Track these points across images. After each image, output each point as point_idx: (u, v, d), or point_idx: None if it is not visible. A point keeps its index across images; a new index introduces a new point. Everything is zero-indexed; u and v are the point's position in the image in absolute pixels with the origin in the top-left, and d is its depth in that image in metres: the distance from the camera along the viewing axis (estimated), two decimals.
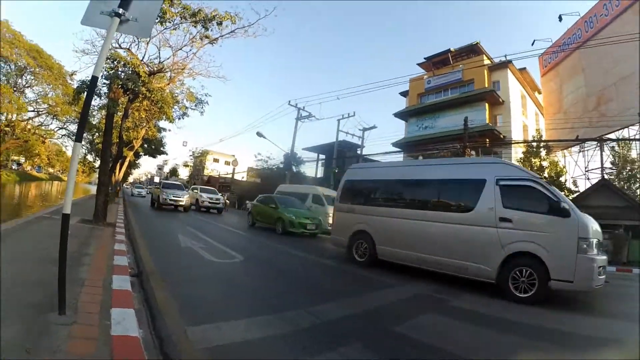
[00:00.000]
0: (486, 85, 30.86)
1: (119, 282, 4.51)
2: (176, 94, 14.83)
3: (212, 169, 72.49)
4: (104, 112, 16.19)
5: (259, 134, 27.03)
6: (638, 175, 25.40)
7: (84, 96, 9.23)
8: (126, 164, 34.11)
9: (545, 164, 25.51)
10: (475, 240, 6.79)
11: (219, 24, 11.75)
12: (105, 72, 11.35)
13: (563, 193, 8.89)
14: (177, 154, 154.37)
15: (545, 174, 23.36)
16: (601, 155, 22.75)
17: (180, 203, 22.06)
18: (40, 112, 40.90)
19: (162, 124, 26.87)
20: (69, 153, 50.31)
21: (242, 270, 7.36)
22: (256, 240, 12.49)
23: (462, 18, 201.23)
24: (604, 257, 6.36)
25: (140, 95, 12.64)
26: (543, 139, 28.53)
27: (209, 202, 24.92)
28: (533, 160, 24.96)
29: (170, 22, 11.53)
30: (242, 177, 53.60)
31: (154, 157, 45.60)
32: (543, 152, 25.86)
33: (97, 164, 25.02)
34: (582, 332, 4.82)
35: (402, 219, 8.16)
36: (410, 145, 33.84)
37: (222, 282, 6.03)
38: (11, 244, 5.82)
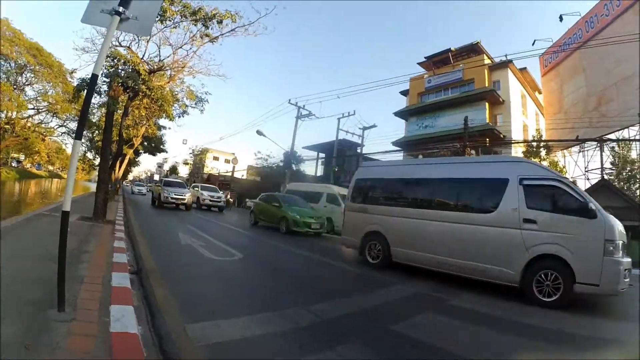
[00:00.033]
0: (486, 85, 30.84)
1: (119, 279, 4.52)
2: (176, 92, 14.84)
3: (212, 167, 72.49)
4: (104, 110, 16.26)
5: (259, 133, 26.97)
6: (638, 176, 25.42)
7: (84, 94, 9.25)
8: (126, 161, 34.12)
9: (545, 164, 25.47)
10: (497, 242, 6.54)
11: (219, 22, 11.75)
12: (105, 70, 11.35)
13: None
14: (177, 152, 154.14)
15: None
16: (601, 155, 22.78)
17: (182, 201, 21.60)
18: (40, 110, 40.93)
19: (162, 122, 26.95)
20: (69, 151, 50.28)
21: (243, 268, 7.37)
22: (258, 239, 12.48)
23: (462, 18, 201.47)
24: (629, 260, 6.10)
25: (140, 93, 12.64)
26: (543, 138, 28.55)
27: (210, 200, 24.53)
28: (533, 160, 24.91)
29: (170, 21, 11.52)
30: (242, 175, 53.64)
31: (154, 155, 45.67)
32: (543, 152, 25.84)
33: (97, 161, 25.06)
34: (582, 332, 4.80)
35: (419, 220, 7.82)
36: (410, 144, 33.82)
37: (222, 280, 6.04)
38: (11, 241, 5.82)
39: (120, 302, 3.70)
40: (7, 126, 37.36)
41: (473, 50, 33.28)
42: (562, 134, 26.98)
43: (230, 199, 33.97)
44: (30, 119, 41.28)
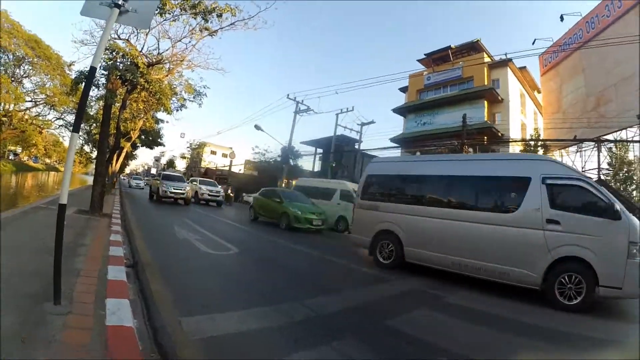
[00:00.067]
0: (486, 83, 30.83)
1: (115, 272, 4.53)
2: (174, 86, 14.81)
3: (209, 161, 72.41)
4: (101, 102, 16.21)
5: (257, 127, 26.90)
6: (634, 177, 25.47)
7: (82, 87, 9.21)
8: (123, 155, 34.09)
9: None
10: (519, 244, 6.28)
11: (219, 16, 11.71)
12: (103, 63, 11.32)
13: None
14: (174, 146, 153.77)
15: None
16: (598, 156, 22.74)
17: (181, 196, 21.02)
18: (37, 103, 40.80)
19: (160, 115, 26.80)
20: (66, 144, 50.03)
21: (239, 263, 7.38)
22: (257, 235, 12.42)
23: (462, 18, 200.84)
24: None
25: (139, 87, 12.62)
26: (541, 138, 28.59)
27: (209, 195, 24.09)
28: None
29: (169, 14, 11.49)
30: (240, 170, 53.57)
31: (151, 148, 45.50)
32: (540, 151, 25.88)
33: (94, 154, 25.03)
34: (579, 332, 4.80)
35: (436, 219, 7.45)
36: (408, 141, 33.83)
37: (219, 274, 6.04)
38: (8, 234, 5.81)
39: (116, 295, 3.71)
40: (5, 118, 37.26)
41: (473, 48, 33.24)
42: (560, 134, 27.02)
43: (231, 194, 33.82)
44: (28, 111, 41.20)
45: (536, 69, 35.60)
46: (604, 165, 25.76)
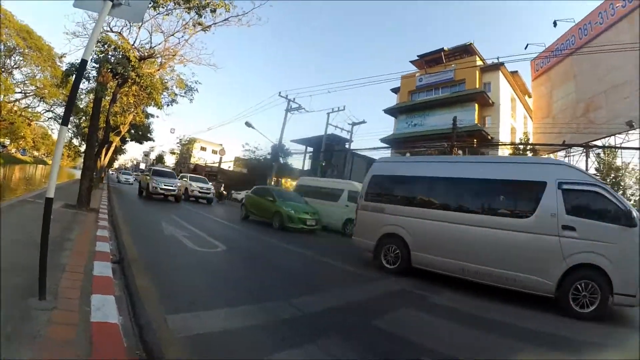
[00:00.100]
0: (477, 86, 31.14)
1: (100, 268, 4.50)
2: (166, 80, 14.78)
3: (199, 157, 72.13)
4: (92, 95, 16.05)
5: (247, 124, 26.72)
6: (622, 183, 25.82)
7: (73, 79, 9.11)
8: (112, 149, 33.73)
9: None
10: (533, 250, 6.12)
11: (213, 11, 11.66)
12: (95, 56, 11.22)
13: None
14: (164, 141, 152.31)
15: None
16: (586, 161, 23.09)
17: (172, 193, 20.43)
18: (27, 94, 40.27)
19: (150, 110, 26.69)
20: (55, 136, 49.54)
21: (227, 260, 7.35)
22: (248, 234, 12.27)
23: (461, 18, 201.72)
24: None
25: (130, 80, 12.53)
26: (530, 142, 28.89)
27: (199, 192, 23.64)
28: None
29: (163, 8, 11.43)
30: (229, 167, 53.38)
31: (141, 143, 44.95)
32: (529, 155, 26.11)
33: (83, 148, 24.75)
34: (562, 333, 4.85)
35: (446, 223, 7.17)
36: (399, 142, 34.03)
37: (206, 272, 6.02)
38: None
39: (102, 291, 3.69)
40: None
41: (466, 51, 33.49)
42: (549, 139, 27.37)
43: (224, 192, 33.56)
44: (17, 102, 40.61)
45: (528, 74, 36.02)
46: (592, 171, 26.12)
